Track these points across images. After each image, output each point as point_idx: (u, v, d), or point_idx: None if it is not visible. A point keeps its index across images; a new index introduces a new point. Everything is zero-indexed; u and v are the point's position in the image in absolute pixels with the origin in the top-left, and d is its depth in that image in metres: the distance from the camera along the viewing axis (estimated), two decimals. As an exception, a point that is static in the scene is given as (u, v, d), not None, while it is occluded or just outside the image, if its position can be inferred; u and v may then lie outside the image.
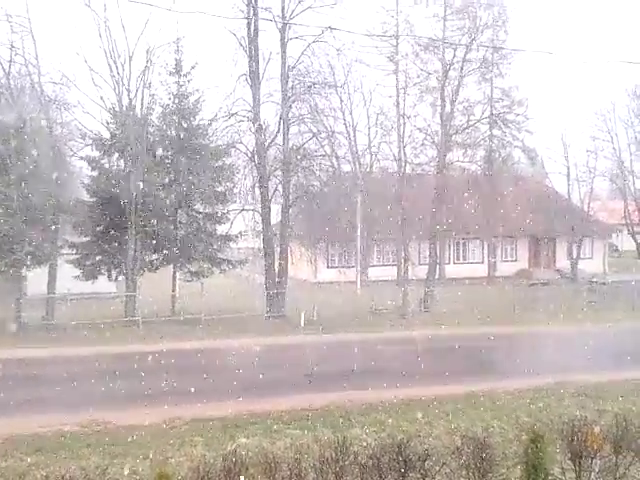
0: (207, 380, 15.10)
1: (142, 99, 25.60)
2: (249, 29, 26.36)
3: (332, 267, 37.06)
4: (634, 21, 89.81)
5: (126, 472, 9.38)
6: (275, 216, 28.85)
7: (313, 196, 28.44)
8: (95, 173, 26.61)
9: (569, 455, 7.45)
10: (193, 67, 27.40)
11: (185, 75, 27.42)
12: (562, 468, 7.45)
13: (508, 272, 39.76)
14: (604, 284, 35.21)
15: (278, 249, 27.79)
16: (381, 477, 6.63)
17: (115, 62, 24.69)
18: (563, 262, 41.73)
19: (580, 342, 19.23)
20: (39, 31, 24.74)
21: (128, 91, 25.17)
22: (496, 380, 15.61)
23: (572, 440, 7.43)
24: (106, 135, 26.28)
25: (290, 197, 28.02)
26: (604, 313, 26.12)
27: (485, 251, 40.72)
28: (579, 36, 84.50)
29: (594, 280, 37.26)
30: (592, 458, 7.41)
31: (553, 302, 26.78)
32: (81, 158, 26.78)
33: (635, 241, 41.49)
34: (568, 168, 40.17)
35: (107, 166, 26.62)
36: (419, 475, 6.70)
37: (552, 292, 29.44)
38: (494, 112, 36.10)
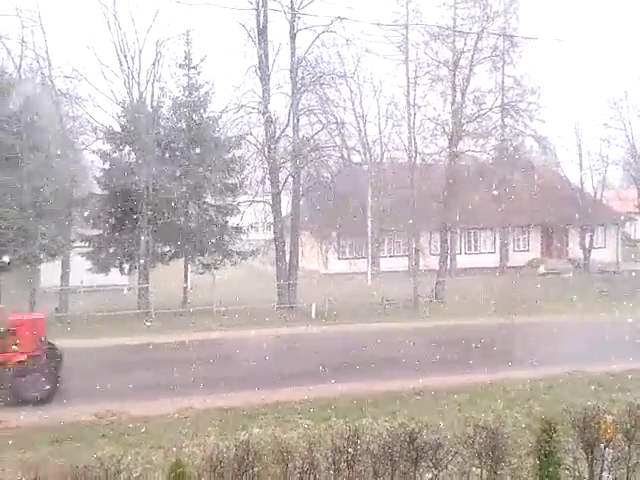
0: (219, 370, 15.24)
1: (152, 92, 25.76)
2: (258, 20, 26.29)
3: (343, 258, 37.05)
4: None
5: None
6: (285, 208, 28.87)
7: (323, 187, 28.39)
8: (107, 166, 26.78)
9: (581, 444, 7.43)
10: (203, 59, 27.44)
11: (195, 67, 27.44)
12: (574, 457, 7.45)
13: (520, 262, 39.52)
14: (617, 273, 34.92)
15: (289, 240, 27.84)
16: (393, 466, 6.67)
17: (125, 55, 24.82)
18: (575, 251, 41.40)
19: (593, 332, 19.16)
20: (49, 26, 24.75)
21: (138, 84, 25.28)
22: (509, 370, 15.60)
23: (585, 429, 7.41)
24: (117, 128, 26.42)
25: (300, 189, 28.01)
26: (617, 303, 25.94)
27: (497, 241, 40.49)
28: (591, 23, 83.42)
29: (607, 269, 36.97)
30: (605, 447, 7.39)
31: (565, 292, 26.68)
32: (93, 151, 26.97)
33: (649, 230, 41.11)
34: (581, 156, 39.81)
35: (118, 159, 26.77)
36: (431, 464, 6.73)
37: (564, 282, 29.28)
38: (505, 101, 35.81)
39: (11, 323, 13.77)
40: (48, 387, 13.16)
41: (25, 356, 13.36)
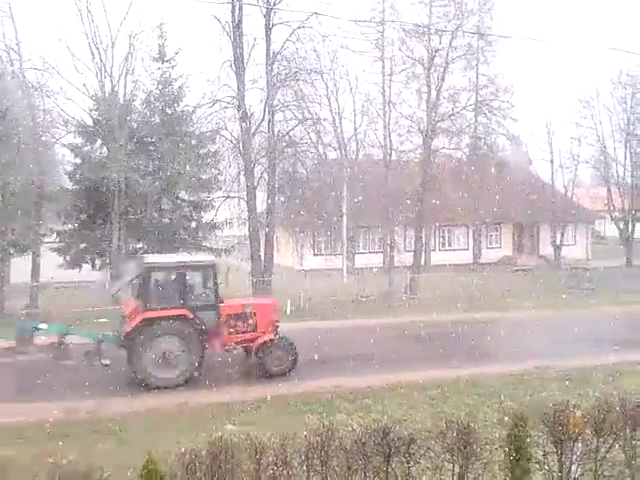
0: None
1: (125, 85, 25.41)
2: (233, 14, 26.05)
3: (318, 254, 37.07)
4: (617, 9, 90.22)
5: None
6: (261, 204, 28.74)
7: (299, 183, 28.36)
8: (78, 160, 26.38)
9: (551, 439, 7.55)
10: (177, 53, 27.21)
11: (169, 61, 27.17)
12: (545, 451, 7.55)
13: (493, 259, 40.04)
14: (587, 270, 35.58)
15: (264, 237, 27.74)
16: (366, 462, 6.70)
17: (97, 48, 24.42)
18: (546, 248, 42.10)
19: (562, 327, 19.47)
20: (20, 17, 24.26)
21: (111, 77, 24.91)
22: (480, 365, 15.81)
23: (554, 424, 7.52)
24: (89, 122, 26.04)
25: (276, 184, 27.92)
26: (585, 299, 26.48)
27: (470, 238, 40.96)
28: (563, 24, 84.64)
29: (577, 266, 37.63)
30: (574, 442, 7.52)
31: (536, 288, 27.04)
32: (64, 145, 26.54)
33: (618, 227, 41.91)
34: (552, 155, 40.48)
35: (90, 153, 26.38)
36: (403, 459, 6.77)
37: (535, 278, 29.70)
38: (479, 99, 36.23)
39: (254, 306, 15.50)
40: (289, 362, 14.90)
41: (271, 335, 14.98)
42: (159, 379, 13.81)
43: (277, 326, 15.38)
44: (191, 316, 14.17)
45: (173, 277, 14.95)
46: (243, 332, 14.98)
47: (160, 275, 14.79)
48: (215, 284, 14.86)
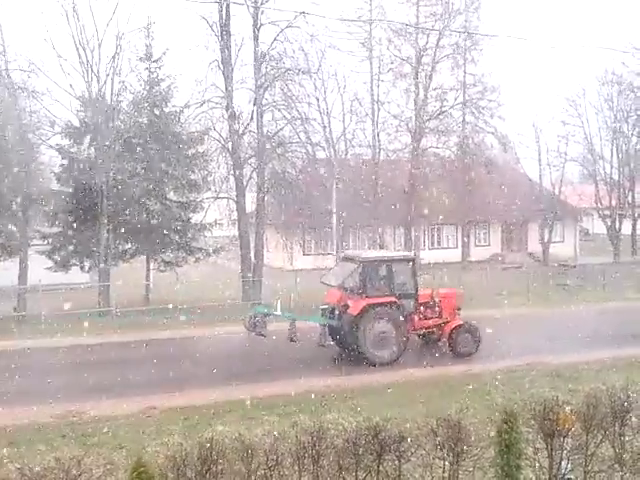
0: (181, 370, 15.10)
1: (112, 86, 25.14)
2: (221, 14, 26.02)
3: (308, 254, 37.04)
4: (603, 8, 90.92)
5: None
6: (250, 204, 28.69)
7: (288, 183, 28.32)
8: (65, 162, 26.16)
9: (541, 435, 7.59)
10: (164, 53, 27.02)
11: (156, 61, 27.01)
12: (535, 448, 7.59)
13: (482, 257, 40.22)
14: (574, 267, 35.86)
15: (254, 237, 27.69)
16: (357, 460, 6.70)
17: (84, 48, 24.20)
18: (535, 246, 42.37)
19: (551, 324, 19.59)
20: (5, 17, 24.06)
21: (98, 78, 24.69)
22: (470, 362, 15.95)
23: (544, 420, 7.57)
24: (76, 123, 25.82)
25: (265, 185, 27.88)
26: (573, 295, 26.65)
27: (459, 236, 41.12)
28: (550, 23, 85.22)
29: (565, 263, 37.92)
30: (564, 437, 7.57)
31: (524, 285, 27.18)
32: (50, 147, 26.28)
33: (605, 224, 42.25)
34: (539, 153, 40.72)
35: (77, 155, 26.15)
36: (394, 457, 6.78)
37: (524, 276, 29.82)
38: (467, 98, 36.39)
39: (441, 295, 17.18)
40: (474, 345, 16.61)
41: (460, 321, 16.81)
42: (377, 357, 15.75)
43: (459, 313, 17.24)
44: (399, 303, 16.19)
45: (384, 269, 16.84)
46: (431, 318, 16.95)
47: (375, 268, 16.85)
48: (415, 275, 16.94)
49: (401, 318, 16.11)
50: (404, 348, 16.06)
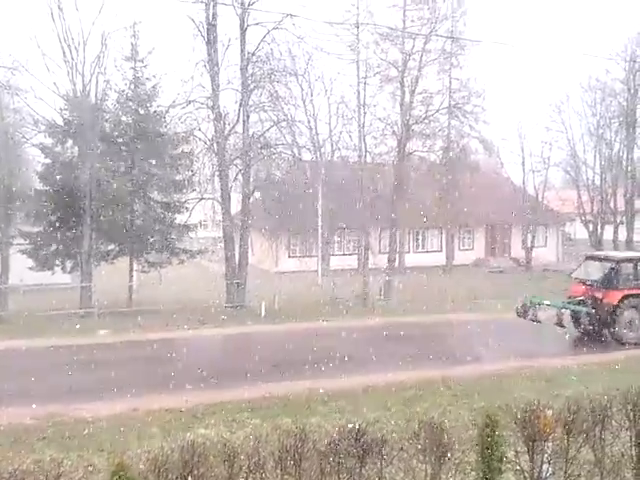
0: (161, 371, 15.00)
1: (97, 85, 24.96)
2: (207, 14, 25.89)
3: (293, 256, 37.03)
4: (588, 14, 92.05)
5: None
6: (235, 205, 28.59)
7: (274, 185, 28.28)
8: (48, 161, 25.89)
9: (523, 439, 7.62)
10: (150, 52, 26.78)
11: (141, 61, 26.80)
12: (516, 451, 7.63)
13: (465, 261, 40.46)
14: (556, 271, 36.18)
15: (238, 239, 27.59)
16: (339, 463, 6.68)
17: (69, 47, 23.98)
18: (518, 250, 42.69)
19: (534, 328, 19.69)
20: (-12, 13, 23.81)
21: (82, 77, 24.48)
22: (452, 366, 15.95)
23: (525, 424, 7.60)
24: (59, 122, 25.56)
25: (250, 186, 27.78)
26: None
27: (443, 240, 41.32)
28: (534, 29, 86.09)
29: (547, 268, 38.26)
30: (544, 441, 7.60)
31: (507, 289, 27.38)
32: (34, 145, 26.00)
33: (588, 230, 42.67)
34: (523, 158, 41.04)
35: (61, 153, 25.91)
36: (377, 460, 6.77)
37: (507, 280, 30.08)
38: (452, 103, 36.60)
39: None
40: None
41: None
42: (629, 337, 18.86)
43: None
44: None
45: (633, 266, 19.87)
46: None
47: (626, 265, 19.89)
48: None
49: None
50: None
